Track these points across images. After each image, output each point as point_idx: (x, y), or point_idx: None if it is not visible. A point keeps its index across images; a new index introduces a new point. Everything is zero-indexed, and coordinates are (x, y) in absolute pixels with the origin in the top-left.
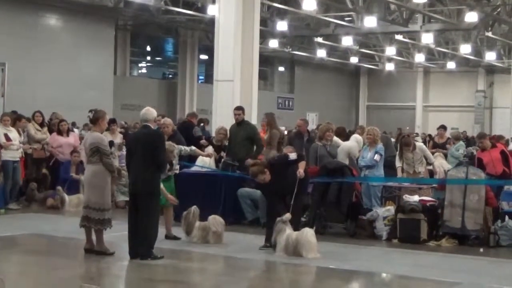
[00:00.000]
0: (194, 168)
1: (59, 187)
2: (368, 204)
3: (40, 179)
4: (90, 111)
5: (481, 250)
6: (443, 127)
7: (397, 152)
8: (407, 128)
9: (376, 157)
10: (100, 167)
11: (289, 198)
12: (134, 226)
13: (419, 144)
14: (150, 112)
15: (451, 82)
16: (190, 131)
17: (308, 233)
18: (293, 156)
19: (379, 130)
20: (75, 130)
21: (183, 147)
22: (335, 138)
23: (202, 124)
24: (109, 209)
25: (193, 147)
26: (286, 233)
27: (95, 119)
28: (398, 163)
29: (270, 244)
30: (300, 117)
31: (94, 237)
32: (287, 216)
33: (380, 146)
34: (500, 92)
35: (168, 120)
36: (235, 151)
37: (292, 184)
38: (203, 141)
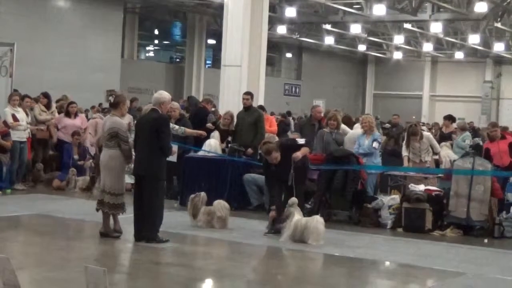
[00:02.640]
0: (200, 153)
1: (73, 169)
2: (371, 192)
3: (47, 160)
4: (111, 94)
5: (486, 241)
6: (450, 118)
7: (404, 141)
8: (413, 117)
9: (375, 144)
10: (117, 152)
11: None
12: (139, 209)
13: (426, 133)
14: (163, 96)
15: (458, 72)
16: (204, 118)
17: (318, 220)
18: (301, 141)
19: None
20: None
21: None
22: (343, 126)
23: (214, 109)
24: (123, 194)
25: (182, 127)
26: (296, 218)
27: (116, 103)
28: (404, 152)
29: (273, 230)
30: (307, 104)
31: (111, 221)
32: (293, 200)
33: (377, 133)
34: (508, 83)
35: (175, 104)
36: (242, 137)
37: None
38: (209, 125)
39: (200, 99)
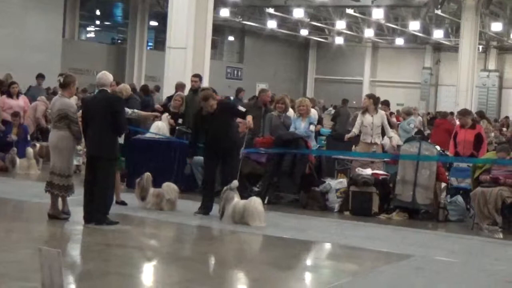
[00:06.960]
0: (148, 135)
1: (14, 148)
2: None
3: None
4: (60, 74)
5: (430, 224)
6: (386, 103)
7: (358, 116)
8: (354, 102)
9: (311, 127)
10: (66, 133)
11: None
12: (90, 191)
13: (382, 111)
14: (107, 76)
15: (398, 58)
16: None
17: (256, 201)
18: (242, 109)
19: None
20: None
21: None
22: (291, 110)
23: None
24: (72, 175)
25: (135, 110)
26: (234, 201)
27: (66, 83)
28: (355, 129)
29: (204, 210)
30: (249, 87)
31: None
32: (235, 183)
33: (313, 116)
34: (446, 70)
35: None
36: (191, 119)
37: (230, 142)
38: (157, 106)
39: (142, 81)
